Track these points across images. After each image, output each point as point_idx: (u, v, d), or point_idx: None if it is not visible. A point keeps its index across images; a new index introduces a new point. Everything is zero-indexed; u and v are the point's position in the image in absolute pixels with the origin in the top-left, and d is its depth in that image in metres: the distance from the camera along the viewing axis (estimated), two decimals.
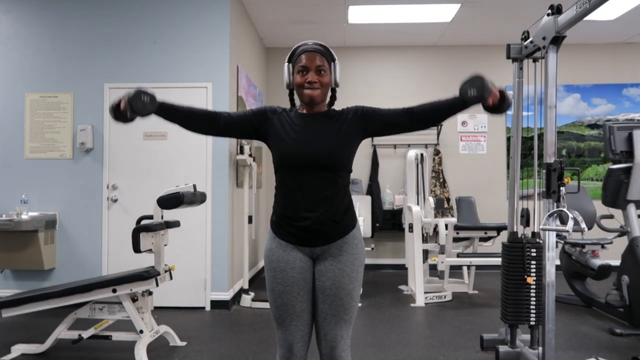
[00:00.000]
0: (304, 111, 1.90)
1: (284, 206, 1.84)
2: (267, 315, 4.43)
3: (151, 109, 1.71)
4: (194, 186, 3.41)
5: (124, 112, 1.70)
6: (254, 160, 5.08)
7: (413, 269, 4.98)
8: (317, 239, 1.82)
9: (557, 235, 4.63)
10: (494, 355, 3.35)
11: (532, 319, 3.17)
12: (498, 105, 1.67)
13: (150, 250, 3.32)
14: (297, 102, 1.94)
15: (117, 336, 3.39)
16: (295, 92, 1.91)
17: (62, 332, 3.37)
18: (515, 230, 3.41)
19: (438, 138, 6.70)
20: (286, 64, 1.91)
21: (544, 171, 2.71)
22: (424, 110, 1.81)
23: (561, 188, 2.64)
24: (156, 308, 4.60)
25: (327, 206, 1.81)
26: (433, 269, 5.94)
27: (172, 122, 1.83)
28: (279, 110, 1.91)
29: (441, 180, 6.61)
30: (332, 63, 1.89)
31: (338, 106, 1.97)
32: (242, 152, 4.86)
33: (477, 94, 1.58)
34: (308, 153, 1.80)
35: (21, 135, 4.75)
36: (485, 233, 5.01)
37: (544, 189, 2.70)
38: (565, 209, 2.57)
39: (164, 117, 1.80)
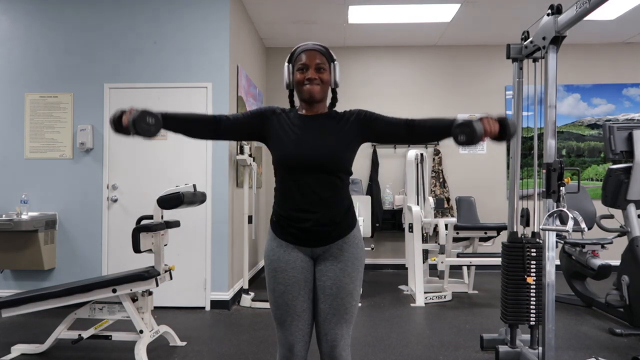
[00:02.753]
0: (304, 112, 1.89)
1: (284, 207, 1.83)
2: (267, 315, 4.43)
3: (155, 131, 1.67)
4: (194, 186, 3.41)
5: (126, 128, 1.66)
6: (254, 160, 5.08)
7: (413, 269, 4.98)
8: (317, 240, 1.82)
9: (557, 235, 4.63)
10: (494, 355, 3.35)
11: (532, 319, 3.17)
12: (499, 136, 1.68)
13: (150, 250, 3.32)
14: (297, 103, 1.93)
15: (117, 336, 3.39)
16: (295, 90, 1.90)
17: (62, 332, 3.37)
18: (515, 230, 3.41)
19: None
20: (286, 64, 1.91)
21: (544, 171, 2.71)
22: (424, 127, 1.80)
23: (561, 188, 2.63)
24: (156, 308, 4.61)
25: (327, 207, 1.80)
26: (433, 269, 5.95)
27: (175, 133, 1.83)
28: (278, 111, 1.89)
29: (441, 180, 6.61)
30: (332, 63, 1.89)
31: (339, 107, 1.97)
32: (242, 152, 4.86)
33: (465, 141, 1.66)
34: (307, 155, 1.78)
35: (21, 135, 4.75)
36: (485, 233, 5.01)
37: (544, 189, 2.70)
38: (565, 209, 2.57)
39: (167, 129, 1.79)
